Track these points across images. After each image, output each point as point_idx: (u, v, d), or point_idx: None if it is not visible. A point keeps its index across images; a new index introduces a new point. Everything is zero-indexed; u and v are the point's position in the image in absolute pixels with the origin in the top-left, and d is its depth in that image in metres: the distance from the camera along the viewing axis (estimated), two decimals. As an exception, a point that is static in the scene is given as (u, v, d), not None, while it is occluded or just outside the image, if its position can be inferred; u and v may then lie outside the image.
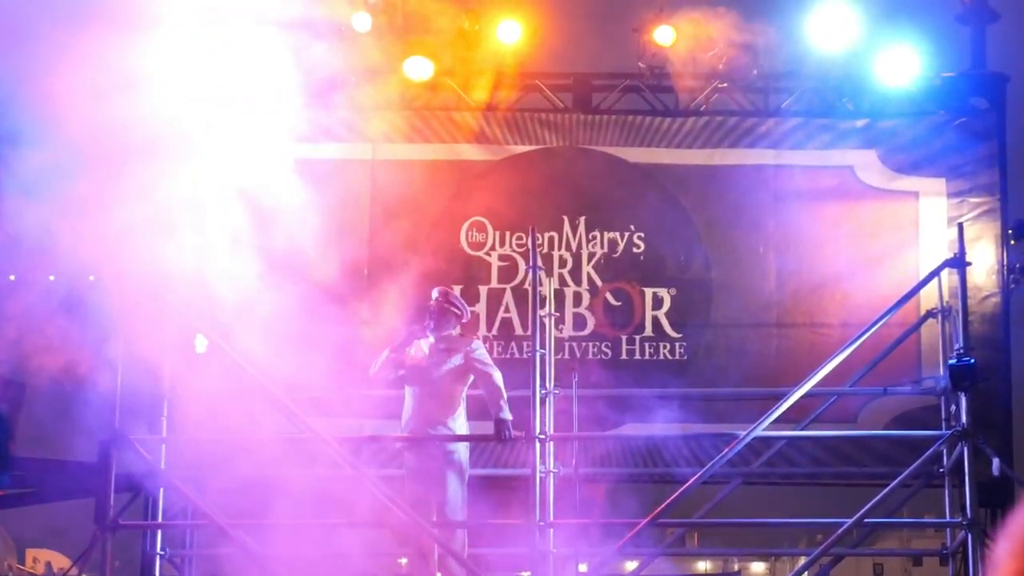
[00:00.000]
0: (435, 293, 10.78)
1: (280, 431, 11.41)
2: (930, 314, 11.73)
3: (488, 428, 10.50)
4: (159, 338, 11.02)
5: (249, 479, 11.63)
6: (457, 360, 10.53)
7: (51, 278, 11.54)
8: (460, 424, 10.57)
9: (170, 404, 11.47)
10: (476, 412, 10.76)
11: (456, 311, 10.73)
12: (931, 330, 11.95)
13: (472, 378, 10.55)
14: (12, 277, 11.68)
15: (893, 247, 13.00)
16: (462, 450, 10.54)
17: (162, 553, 11.39)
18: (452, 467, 10.41)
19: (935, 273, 11.21)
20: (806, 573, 11.60)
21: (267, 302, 12.15)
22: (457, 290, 11.48)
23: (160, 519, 11.46)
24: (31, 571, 20.59)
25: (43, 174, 9.88)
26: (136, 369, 10.65)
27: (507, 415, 10.42)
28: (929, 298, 11.74)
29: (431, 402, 10.48)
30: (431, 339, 10.59)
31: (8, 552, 23.30)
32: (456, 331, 10.67)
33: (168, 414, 11.47)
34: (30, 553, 23.53)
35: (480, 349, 10.68)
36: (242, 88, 12.60)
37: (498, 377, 10.54)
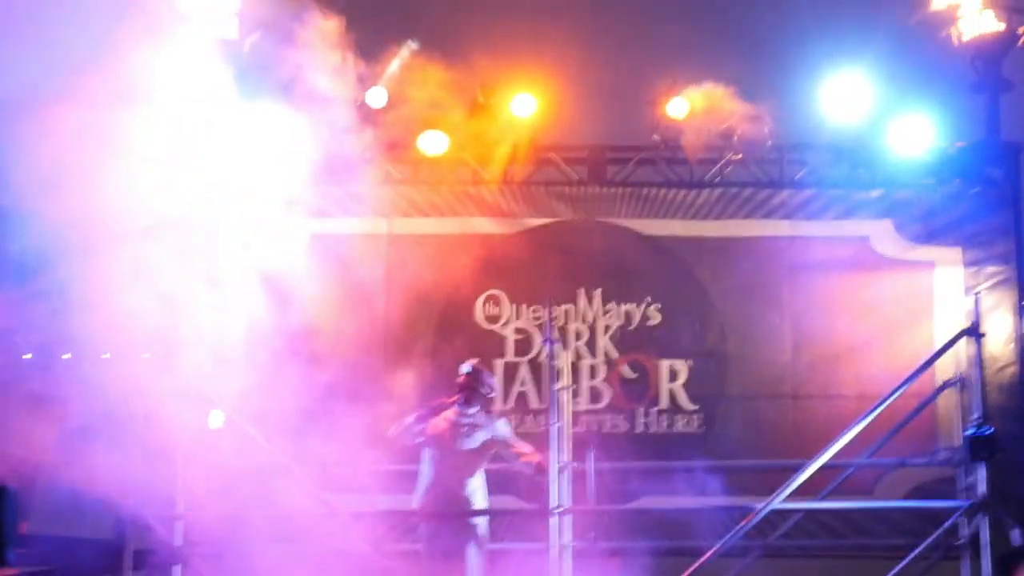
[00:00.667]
0: (467, 367, 10.80)
1: (296, 506, 11.40)
2: (947, 384, 11.71)
3: (506, 502, 10.52)
4: (173, 414, 11.03)
5: (266, 555, 11.61)
6: (483, 435, 10.56)
7: (65, 356, 11.55)
8: (480, 497, 10.57)
9: (184, 480, 11.46)
10: (494, 486, 10.76)
11: (486, 387, 10.77)
12: (948, 400, 11.93)
13: (493, 451, 10.58)
14: (28, 355, 11.70)
15: (909, 317, 12.98)
16: (482, 523, 10.53)
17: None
18: (473, 539, 10.41)
19: (952, 343, 11.17)
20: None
21: (284, 378, 12.18)
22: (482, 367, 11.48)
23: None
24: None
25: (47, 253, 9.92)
26: (151, 445, 10.64)
27: (534, 458, 10.44)
28: (945, 368, 11.73)
29: (452, 474, 10.48)
30: (456, 410, 10.61)
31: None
32: (482, 409, 10.70)
33: (183, 490, 11.46)
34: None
35: (504, 427, 10.71)
36: (255, 165, 12.68)
37: (521, 445, 10.58)
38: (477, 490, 10.53)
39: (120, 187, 10.12)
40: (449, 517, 10.36)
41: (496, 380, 11.09)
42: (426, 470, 10.63)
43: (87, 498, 10.74)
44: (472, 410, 10.68)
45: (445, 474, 10.48)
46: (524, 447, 10.60)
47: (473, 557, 10.39)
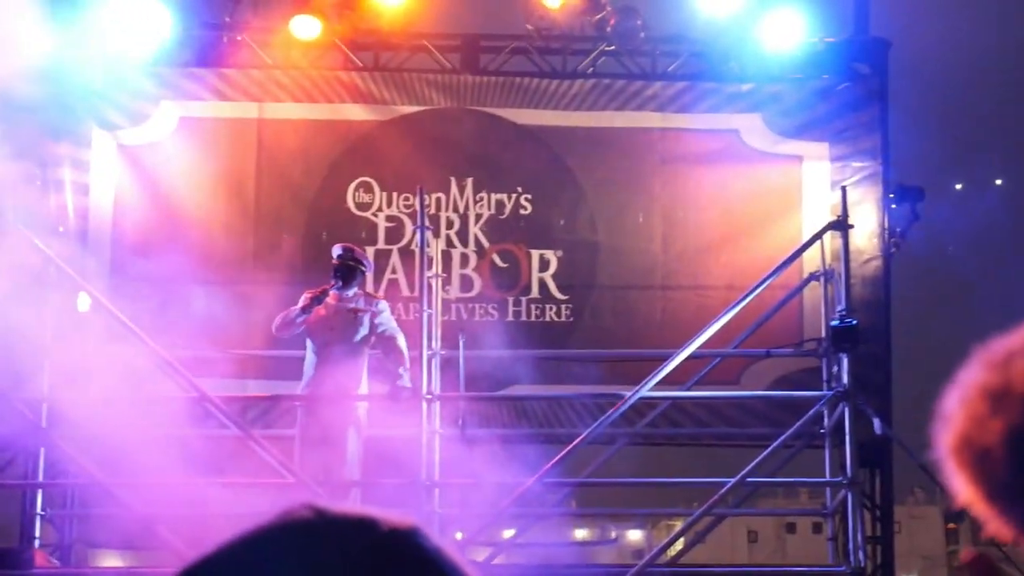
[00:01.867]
0: (338, 249, 10.77)
1: (164, 391, 11.33)
2: (812, 277, 11.88)
3: (378, 388, 10.56)
4: (40, 295, 10.89)
5: (132, 439, 11.53)
6: (363, 321, 10.56)
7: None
8: (363, 385, 10.59)
9: (51, 362, 11.34)
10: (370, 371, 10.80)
11: (362, 267, 10.76)
12: (813, 293, 12.09)
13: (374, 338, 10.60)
14: None
15: (777, 210, 13.12)
16: (362, 410, 10.56)
17: (43, 513, 11.25)
18: (353, 426, 10.44)
19: (818, 236, 11.34)
20: (683, 538, 11.75)
21: (152, 264, 12.06)
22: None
23: (41, 479, 11.32)
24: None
25: None
26: (17, 326, 10.49)
27: (406, 383, 10.46)
28: (812, 261, 11.89)
29: (334, 362, 10.47)
30: (334, 295, 10.58)
31: None
32: (360, 289, 10.70)
33: (49, 372, 11.33)
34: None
35: (386, 311, 10.72)
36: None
37: (402, 341, 10.59)
38: (359, 376, 10.56)
39: None
40: (332, 402, 10.37)
41: (370, 261, 11.06)
42: (310, 357, 10.61)
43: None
44: (351, 292, 10.67)
45: (329, 360, 10.47)
46: (404, 358, 10.56)
47: (352, 442, 10.43)
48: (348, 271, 10.67)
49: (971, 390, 1.81)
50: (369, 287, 12.26)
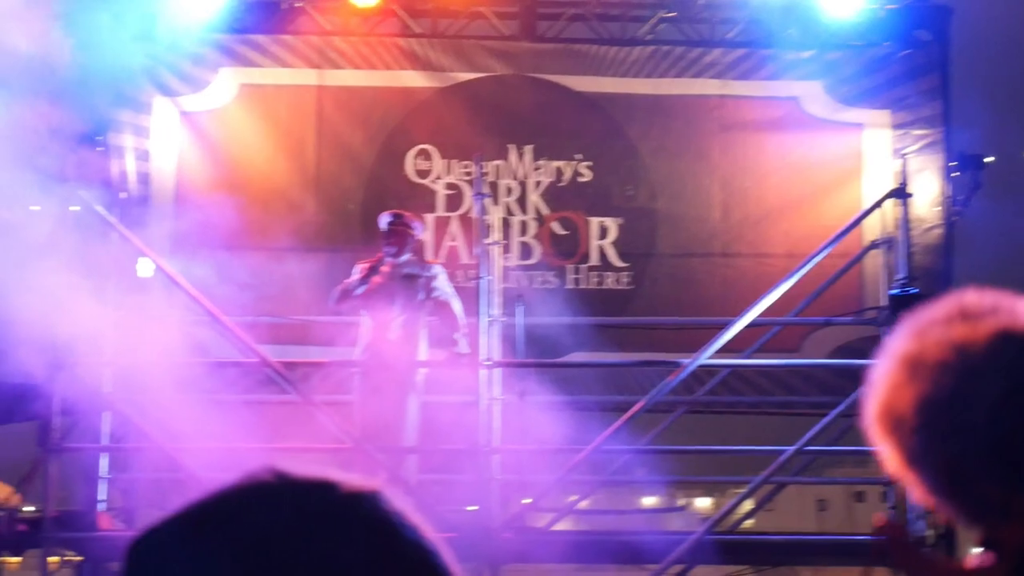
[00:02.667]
0: (387, 216, 10.80)
1: (226, 356, 11.42)
2: (873, 245, 11.82)
3: (437, 354, 10.60)
4: (102, 261, 10.96)
5: (193, 403, 11.62)
6: (418, 286, 10.58)
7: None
8: (421, 350, 10.63)
9: (114, 327, 11.43)
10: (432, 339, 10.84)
11: (411, 230, 10.78)
12: (874, 261, 12.04)
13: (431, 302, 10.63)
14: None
15: (838, 178, 13.06)
16: (420, 376, 10.60)
17: (107, 477, 11.35)
18: (411, 392, 10.48)
19: (878, 204, 11.25)
20: (748, 502, 11.73)
21: (212, 228, 12.12)
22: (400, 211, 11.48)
23: (104, 443, 11.43)
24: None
25: None
26: (78, 292, 10.58)
27: (463, 348, 10.49)
28: (872, 229, 11.83)
29: (391, 328, 10.51)
30: (389, 263, 10.61)
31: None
32: (411, 256, 10.73)
33: (112, 337, 11.43)
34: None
35: (442, 276, 10.74)
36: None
37: (458, 307, 10.61)
38: (416, 341, 10.59)
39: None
40: (390, 368, 10.40)
41: (421, 225, 11.09)
42: (367, 323, 10.65)
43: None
44: (404, 258, 10.69)
45: (385, 327, 10.51)
46: (460, 324, 10.60)
47: (411, 408, 10.47)
48: (399, 237, 10.69)
49: (894, 359, 1.89)
50: (428, 254, 12.31)
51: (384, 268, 10.60)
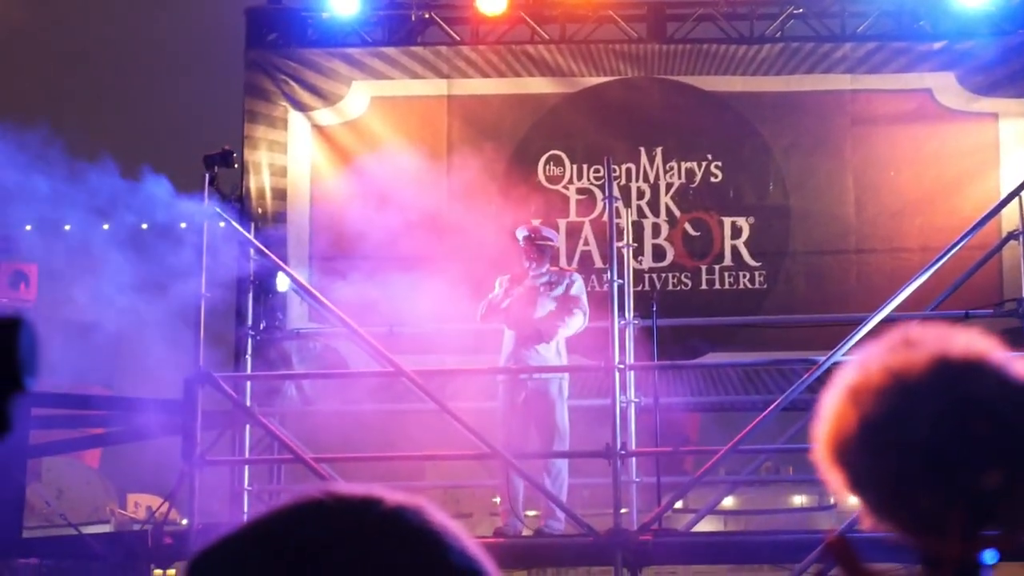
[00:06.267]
0: (523, 231, 10.89)
1: (365, 367, 11.57)
2: (1011, 236, 11.62)
3: (579, 361, 10.73)
4: (243, 276, 11.19)
5: (335, 415, 11.80)
6: (558, 292, 10.68)
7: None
8: (563, 357, 10.73)
9: (254, 342, 11.66)
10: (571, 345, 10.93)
11: (549, 242, 10.87)
12: (1012, 252, 11.84)
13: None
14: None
15: (973, 169, 12.90)
16: (564, 382, 10.68)
17: (249, 489, 11.54)
18: (559, 396, 10.58)
19: (1015, 194, 11.08)
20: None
21: (348, 241, 12.30)
22: (536, 224, 11.56)
23: (247, 455, 11.63)
24: (132, 516, 20.99)
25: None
26: (219, 308, 10.80)
27: (547, 334, 10.55)
28: (1010, 220, 11.64)
29: (531, 337, 10.61)
30: (529, 276, 10.72)
31: (109, 497, 23.77)
32: (550, 266, 10.84)
33: (252, 351, 11.65)
34: (131, 498, 24.00)
35: (577, 284, 10.80)
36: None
37: (576, 323, 10.65)
38: (562, 350, 10.69)
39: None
40: (526, 376, 10.51)
41: (555, 233, 11.17)
42: (508, 333, 10.75)
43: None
44: (543, 269, 10.78)
45: (527, 338, 10.61)
46: (559, 330, 10.68)
47: (560, 416, 10.55)
48: (537, 249, 10.78)
49: (840, 390, 1.99)
50: (563, 260, 12.37)
51: (526, 281, 10.70)
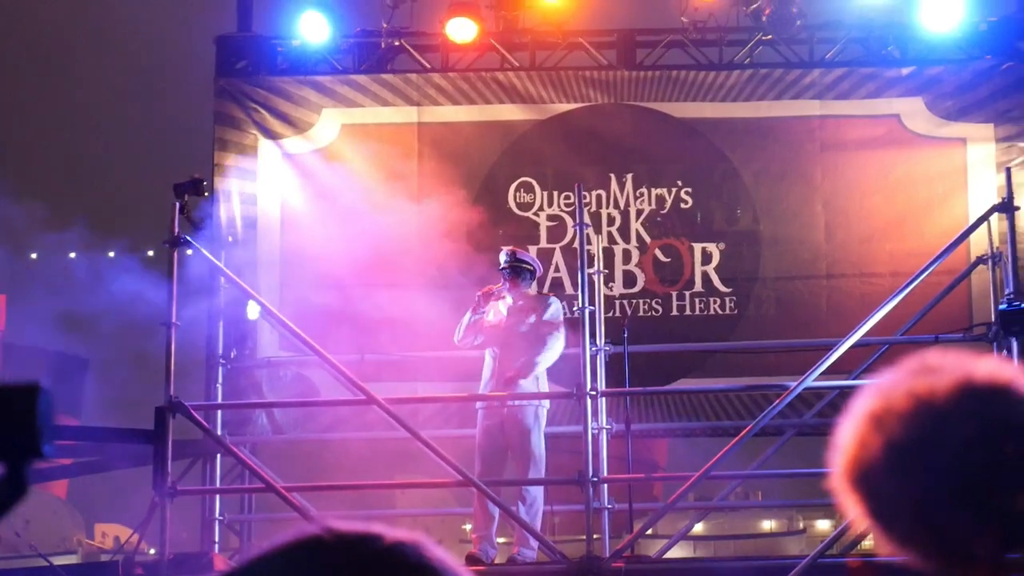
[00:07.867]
0: (504, 255, 10.87)
1: (336, 395, 11.54)
2: (980, 260, 11.69)
3: (551, 388, 10.70)
4: (213, 304, 11.15)
5: (306, 443, 11.77)
6: (533, 319, 10.65)
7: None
8: (542, 383, 10.69)
9: (224, 370, 11.62)
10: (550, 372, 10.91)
11: (529, 267, 10.85)
12: (981, 277, 11.91)
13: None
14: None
15: (942, 194, 12.95)
16: (541, 409, 10.65)
17: (221, 519, 11.50)
18: (535, 423, 10.54)
19: (984, 219, 11.14)
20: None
21: (318, 268, 12.28)
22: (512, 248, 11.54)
23: (218, 484, 11.59)
24: (99, 546, 20.87)
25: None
26: (189, 336, 10.76)
27: (528, 371, 10.51)
28: (979, 244, 11.70)
29: (510, 362, 10.58)
30: (509, 300, 10.69)
31: (77, 528, 23.64)
32: (532, 289, 10.82)
33: (223, 380, 11.61)
34: (99, 528, 23.82)
35: (553, 308, 10.76)
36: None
37: (553, 351, 10.62)
38: (541, 375, 10.67)
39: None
40: (512, 401, 10.48)
41: (534, 258, 11.14)
42: (488, 359, 10.73)
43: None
44: (522, 291, 10.74)
45: (505, 361, 10.58)
46: (539, 361, 10.65)
47: (537, 439, 10.52)
48: (516, 272, 10.76)
49: (859, 417, 1.99)
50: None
51: (500, 304, 10.68)
